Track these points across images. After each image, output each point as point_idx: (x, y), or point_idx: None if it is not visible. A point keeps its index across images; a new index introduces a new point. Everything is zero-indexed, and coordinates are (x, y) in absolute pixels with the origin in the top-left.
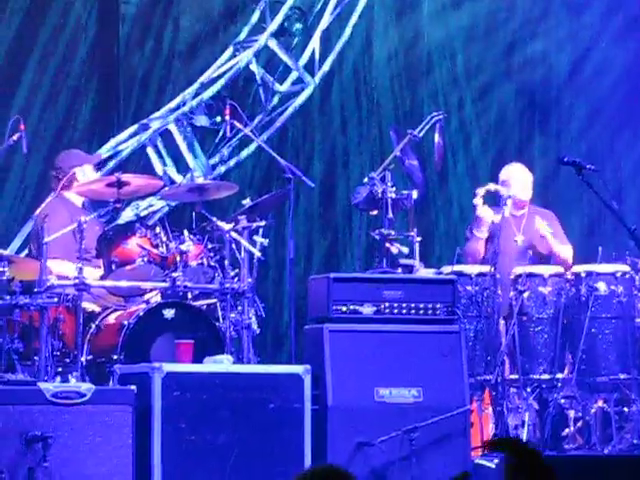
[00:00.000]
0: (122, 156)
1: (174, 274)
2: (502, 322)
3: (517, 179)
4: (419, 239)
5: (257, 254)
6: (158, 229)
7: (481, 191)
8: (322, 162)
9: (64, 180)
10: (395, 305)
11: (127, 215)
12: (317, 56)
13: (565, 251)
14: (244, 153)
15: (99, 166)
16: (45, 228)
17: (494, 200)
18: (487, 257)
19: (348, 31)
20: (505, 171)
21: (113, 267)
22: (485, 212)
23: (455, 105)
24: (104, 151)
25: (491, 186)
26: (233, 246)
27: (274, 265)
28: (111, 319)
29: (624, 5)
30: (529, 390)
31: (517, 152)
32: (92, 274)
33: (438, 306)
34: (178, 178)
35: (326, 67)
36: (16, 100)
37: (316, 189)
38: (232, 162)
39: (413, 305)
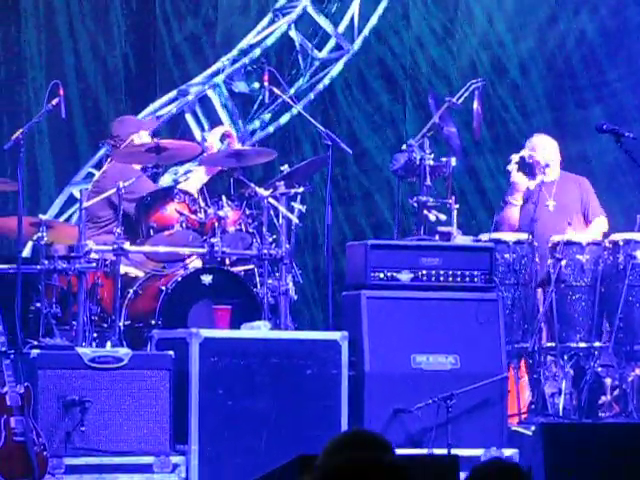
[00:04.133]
0: (161, 121)
1: (212, 240)
2: (540, 290)
3: (545, 147)
4: (457, 206)
5: (295, 220)
6: (197, 195)
7: (515, 157)
8: (360, 129)
9: (122, 148)
10: (433, 272)
11: (166, 180)
12: (356, 22)
13: (597, 225)
14: (283, 119)
15: (154, 132)
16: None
17: (530, 169)
18: (522, 225)
19: None
20: (533, 141)
21: (151, 232)
22: (519, 178)
23: (496, 73)
24: (143, 116)
25: (525, 152)
26: (271, 212)
27: (312, 231)
28: (149, 284)
29: None
30: (566, 358)
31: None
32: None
33: (476, 273)
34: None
35: (365, 33)
36: (56, 66)
37: (354, 156)
38: (271, 128)
39: (451, 272)
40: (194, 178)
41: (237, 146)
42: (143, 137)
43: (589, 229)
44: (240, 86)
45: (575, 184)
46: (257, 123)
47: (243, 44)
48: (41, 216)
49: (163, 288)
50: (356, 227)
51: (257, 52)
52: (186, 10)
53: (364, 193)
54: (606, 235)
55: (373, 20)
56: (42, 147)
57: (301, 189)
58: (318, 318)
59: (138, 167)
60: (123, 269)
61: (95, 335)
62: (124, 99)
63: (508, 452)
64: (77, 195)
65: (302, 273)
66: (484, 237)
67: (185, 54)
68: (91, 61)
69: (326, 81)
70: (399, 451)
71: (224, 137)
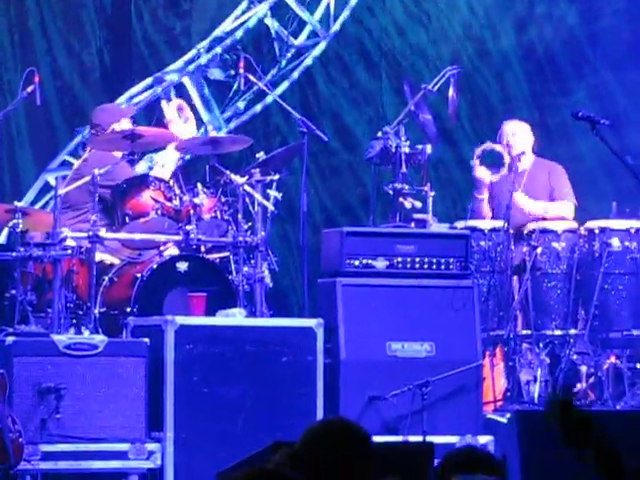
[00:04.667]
0: (136, 108)
1: (187, 227)
2: (515, 278)
3: (520, 133)
4: (432, 194)
5: (270, 208)
6: (172, 182)
7: (478, 151)
8: (335, 116)
9: (103, 137)
10: (408, 260)
11: (141, 168)
12: (332, 10)
13: (558, 208)
14: (258, 107)
15: (133, 118)
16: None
17: (497, 158)
18: (497, 213)
19: None
20: (506, 128)
21: (127, 220)
22: (482, 173)
23: (471, 59)
24: (118, 103)
25: (488, 145)
26: (247, 200)
27: (287, 219)
28: (124, 271)
29: None
30: (541, 346)
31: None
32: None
33: (451, 261)
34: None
35: (341, 21)
36: (32, 53)
37: (329, 143)
38: (246, 116)
39: (426, 260)
40: (167, 160)
41: (192, 126)
42: (123, 125)
43: (547, 204)
44: (216, 73)
45: (545, 170)
46: (232, 110)
47: (218, 31)
48: (16, 203)
49: (138, 275)
50: (331, 214)
51: (233, 39)
52: None
53: (339, 180)
54: (581, 223)
55: (349, 8)
56: (20, 135)
57: (277, 176)
58: (293, 306)
59: (119, 154)
60: (98, 256)
61: (71, 322)
62: (100, 85)
63: (483, 439)
64: (52, 182)
65: (277, 260)
66: (460, 224)
67: (160, 42)
68: (66, 58)
69: (301, 68)
70: (375, 438)
71: (180, 111)
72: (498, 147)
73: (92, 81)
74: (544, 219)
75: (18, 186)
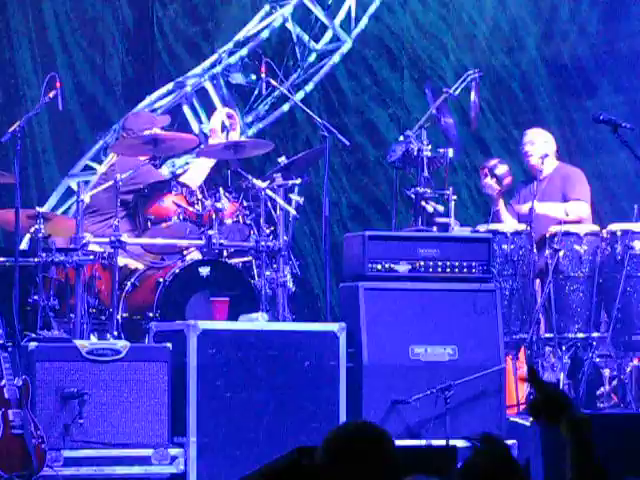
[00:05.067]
0: (158, 113)
1: (210, 232)
2: (537, 281)
3: (541, 141)
4: (455, 197)
5: (292, 212)
6: (196, 190)
7: (484, 169)
8: (358, 120)
9: (125, 141)
10: (430, 263)
11: (163, 173)
12: (353, 14)
13: (573, 208)
14: (279, 111)
15: (165, 129)
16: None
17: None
18: (521, 216)
19: None
20: (525, 137)
21: (149, 224)
22: (489, 189)
23: (492, 62)
24: (140, 108)
25: (492, 164)
26: (269, 204)
27: (310, 223)
28: (147, 276)
29: None
30: (564, 349)
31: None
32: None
33: (474, 264)
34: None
35: (362, 25)
36: (56, 59)
37: (352, 147)
38: (268, 120)
39: (448, 263)
40: (196, 171)
41: (236, 135)
42: (155, 132)
43: (564, 205)
44: (237, 78)
45: (564, 174)
46: (254, 115)
47: (240, 36)
48: (38, 208)
49: (161, 280)
50: (354, 218)
51: (254, 43)
52: (182, 4)
53: (362, 184)
54: (603, 226)
55: (370, 12)
56: (43, 139)
57: (298, 181)
58: (316, 310)
59: (144, 159)
60: (121, 261)
61: (93, 328)
62: (122, 95)
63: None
64: (74, 187)
65: (300, 264)
66: (482, 228)
67: (181, 49)
68: (89, 72)
69: (323, 72)
70: (398, 442)
71: (230, 119)
72: (501, 169)
73: (115, 92)
74: (565, 222)
75: (43, 192)
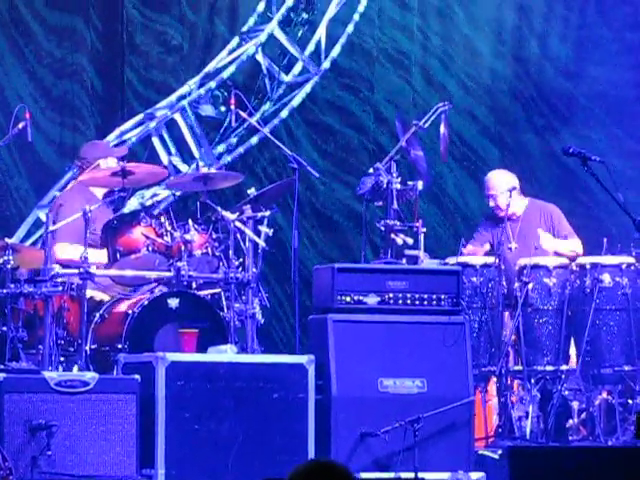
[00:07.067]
0: (127, 145)
1: (178, 263)
2: (507, 313)
3: (495, 189)
4: (424, 230)
5: (262, 244)
6: (163, 218)
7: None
8: (327, 152)
9: (87, 171)
10: (399, 296)
11: (132, 204)
12: (323, 46)
13: (570, 242)
14: (249, 143)
15: (123, 159)
16: (58, 215)
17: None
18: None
19: (356, 17)
20: (486, 182)
21: (118, 256)
22: (471, 257)
23: (465, 96)
24: (110, 139)
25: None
26: (238, 236)
27: (278, 255)
28: (115, 308)
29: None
30: (533, 381)
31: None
32: (97, 257)
33: (443, 297)
34: (183, 167)
35: (333, 56)
36: (19, 90)
37: (321, 179)
38: (237, 152)
39: (417, 296)
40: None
41: (204, 170)
42: (110, 162)
43: (560, 241)
44: (207, 109)
45: (540, 212)
46: (224, 147)
47: (210, 67)
48: (7, 240)
49: (130, 312)
50: (322, 251)
51: (224, 75)
52: (152, 33)
53: (330, 216)
54: (573, 259)
55: (340, 44)
56: (11, 170)
57: (268, 212)
58: (285, 342)
59: (100, 193)
60: (89, 293)
61: (62, 359)
62: (90, 123)
63: (475, 476)
64: (43, 218)
65: (269, 296)
66: (451, 260)
67: (152, 77)
68: (58, 98)
69: (293, 104)
70: (366, 475)
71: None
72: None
73: (83, 119)
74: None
75: (11, 223)
